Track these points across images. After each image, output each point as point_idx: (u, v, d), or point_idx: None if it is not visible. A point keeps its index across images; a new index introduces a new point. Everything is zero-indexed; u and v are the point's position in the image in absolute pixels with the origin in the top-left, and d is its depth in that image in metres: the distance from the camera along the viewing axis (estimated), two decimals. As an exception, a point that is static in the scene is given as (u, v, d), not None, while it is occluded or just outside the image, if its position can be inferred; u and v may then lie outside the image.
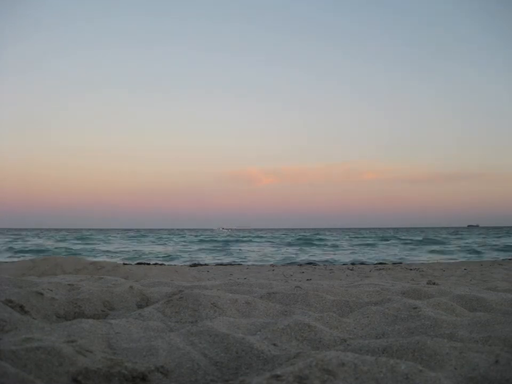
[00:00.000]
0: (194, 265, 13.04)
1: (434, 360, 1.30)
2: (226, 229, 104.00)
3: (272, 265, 13.35)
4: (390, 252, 22.36)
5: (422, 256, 19.74)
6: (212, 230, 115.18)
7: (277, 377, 1.00)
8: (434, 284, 4.31)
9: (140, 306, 2.35)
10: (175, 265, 13.29)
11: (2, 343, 1.22)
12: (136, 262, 15.07)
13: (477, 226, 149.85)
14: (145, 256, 19.73)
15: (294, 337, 1.64)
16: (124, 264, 8.96)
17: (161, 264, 13.03)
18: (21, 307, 1.96)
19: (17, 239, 37.77)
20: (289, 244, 31.03)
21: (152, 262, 14.66)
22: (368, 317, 2.07)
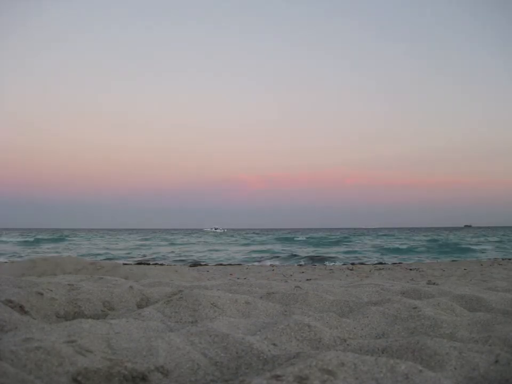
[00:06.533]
0: (194, 265, 13.04)
1: (434, 360, 1.30)
2: (218, 229, 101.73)
3: (272, 265, 13.35)
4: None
5: None
6: (202, 230, 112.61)
7: (277, 377, 1.00)
8: (434, 284, 4.31)
9: (139, 306, 2.34)
10: (175, 265, 13.27)
11: (2, 343, 1.22)
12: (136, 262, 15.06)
13: (470, 226, 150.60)
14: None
15: (294, 337, 1.63)
16: (124, 264, 8.95)
17: (161, 264, 13.03)
18: (21, 307, 1.96)
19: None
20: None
21: (152, 262, 14.65)
22: (368, 317, 2.07)
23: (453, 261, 15.59)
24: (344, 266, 12.93)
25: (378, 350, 1.44)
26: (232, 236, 51.95)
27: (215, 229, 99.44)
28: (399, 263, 15.07)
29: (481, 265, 11.57)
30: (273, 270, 10.51)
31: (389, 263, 15.46)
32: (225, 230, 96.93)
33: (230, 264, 14.26)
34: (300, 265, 14.07)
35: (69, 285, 2.48)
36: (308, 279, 6.63)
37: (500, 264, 11.62)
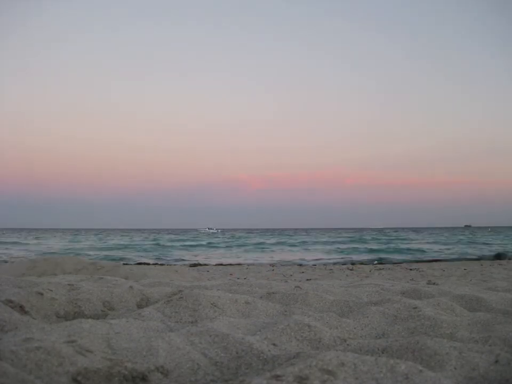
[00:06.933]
0: (194, 265, 13.04)
1: (434, 360, 1.30)
2: (212, 230, 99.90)
3: (272, 265, 13.35)
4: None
5: None
6: (196, 230, 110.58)
7: (277, 377, 1.00)
8: (434, 283, 4.31)
9: (139, 306, 2.34)
10: (175, 265, 13.28)
11: (2, 343, 1.22)
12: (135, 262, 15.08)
13: (470, 226, 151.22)
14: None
15: (294, 337, 1.63)
16: (124, 264, 8.97)
17: (161, 264, 13.03)
18: (21, 307, 1.96)
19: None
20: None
21: (152, 262, 14.67)
22: (368, 317, 2.07)
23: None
24: (344, 266, 12.94)
25: (378, 350, 1.44)
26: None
27: (209, 229, 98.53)
28: (399, 263, 15.06)
29: (481, 265, 11.58)
30: (273, 270, 10.51)
31: (389, 262, 15.46)
32: (219, 231, 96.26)
33: (230, 264, 14.26)
34: (300, 265, 14.07)
35: (69, 285, 2.48)
36: (308, 279, 6.63)
37: (500, 264, 11.63)
